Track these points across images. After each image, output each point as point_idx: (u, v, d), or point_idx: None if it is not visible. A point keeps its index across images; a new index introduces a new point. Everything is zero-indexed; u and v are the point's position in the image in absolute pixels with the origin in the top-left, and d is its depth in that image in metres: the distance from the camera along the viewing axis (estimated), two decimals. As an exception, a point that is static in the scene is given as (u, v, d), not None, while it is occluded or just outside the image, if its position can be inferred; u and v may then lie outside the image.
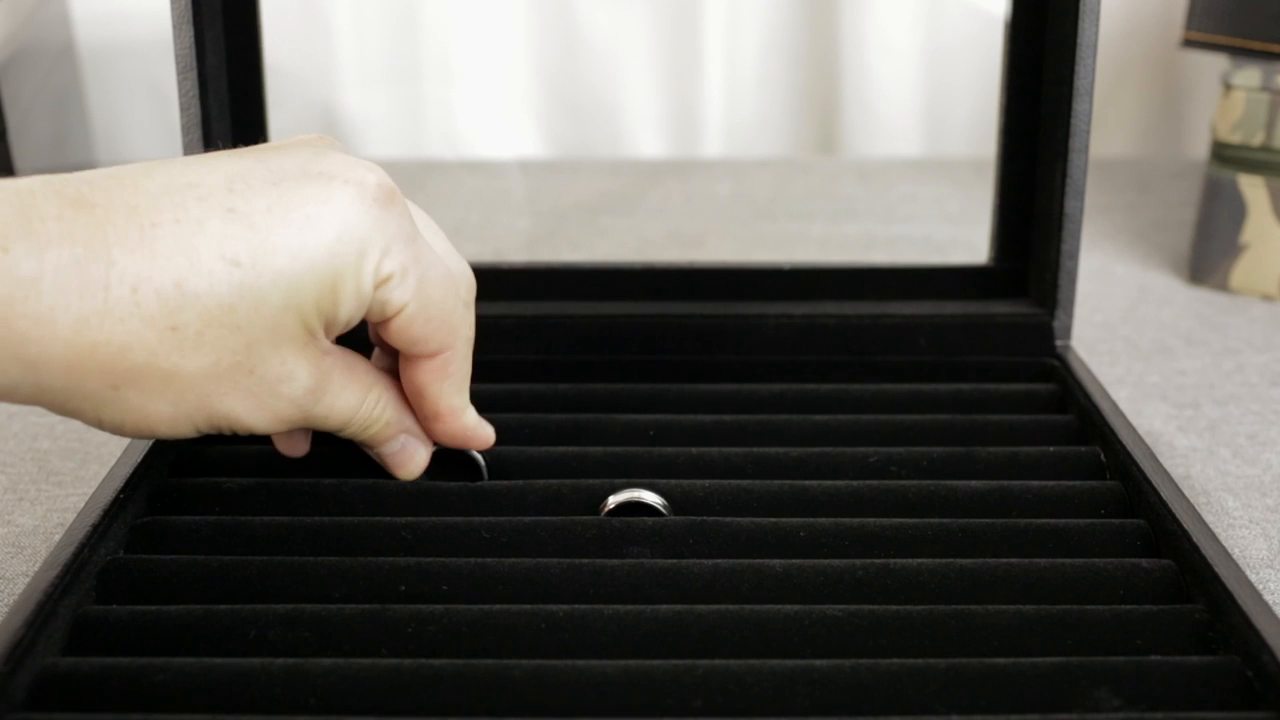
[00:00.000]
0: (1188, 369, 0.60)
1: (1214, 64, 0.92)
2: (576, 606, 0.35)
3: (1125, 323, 0.65)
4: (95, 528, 0.37)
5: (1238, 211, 0.67)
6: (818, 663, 0.33)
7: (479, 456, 0.42)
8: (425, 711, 0.32)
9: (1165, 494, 0.39)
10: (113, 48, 0.93)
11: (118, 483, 0.40)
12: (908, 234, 0.78)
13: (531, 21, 0.95)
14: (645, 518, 0.39)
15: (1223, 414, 0.55)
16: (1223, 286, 0.68)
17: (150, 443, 0.42)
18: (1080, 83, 0.48)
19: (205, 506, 0.40)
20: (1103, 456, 0.44)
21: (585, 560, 0.37)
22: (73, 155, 0.85)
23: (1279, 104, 0.64)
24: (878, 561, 0.37)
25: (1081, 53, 0.47)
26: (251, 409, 0.35)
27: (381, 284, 0.35)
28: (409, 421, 0.40)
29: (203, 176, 0.34)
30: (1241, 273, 0.67)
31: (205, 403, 0.34)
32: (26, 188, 0.31)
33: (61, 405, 0.33)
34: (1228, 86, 0.66)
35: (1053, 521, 0.39)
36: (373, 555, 0.38)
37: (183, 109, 0.47)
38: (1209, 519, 0.47)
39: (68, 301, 0.31)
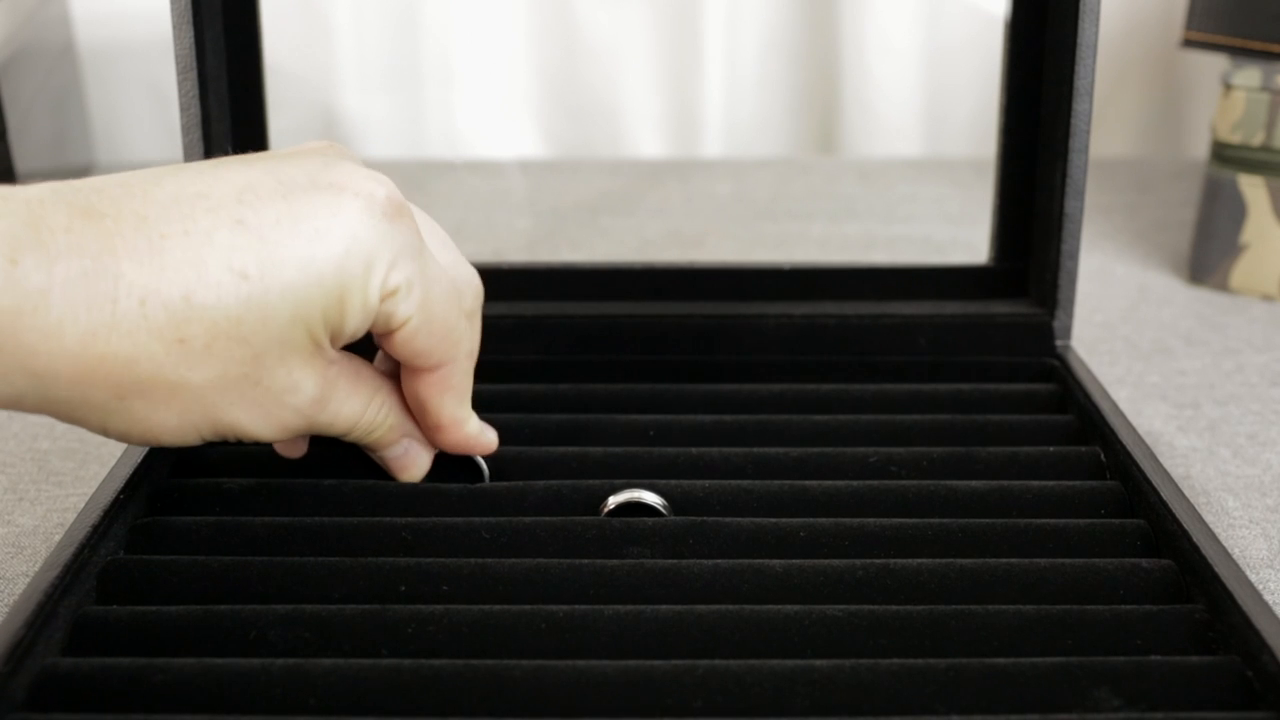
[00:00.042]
0: (1188, 369, 0.60)
1: (1214, 64, 0.92)
2: (577, 607, 0.35)
3: (1125, 323, 0.65)
4: (95, 528, 0.37)
5: (1238, 211, 0.67)
6: (818, 663, 0.33)
7: (481, 460, 0.42)
8: (425, 711, 0.32)
9: (1165, 494, 0.39)
10: (113, 48, 0.93)
11: (118, 483, 0.40)
12: (908, 234, 0.78)
13: (531, 22, 0.95)
14: (645, 518, 0.39)
15: (1223, 414, 0.55)
16: (1223, 286, 0.68)
17: (150, 443, 0.42)
18: (1080, 83, 0.48)
19: (205, 507, 0.40)
20: (1103, 456, 0.44)
21: (585, 560, 0.37)
22: (73, 155, 0.85)
23: (1279, 104, 0.64)
24: (878, 561, 0.37)
25: (1081, 53, 0.47)
26: (257, 419, 0.35)
27: (387, 297, 0.35)
28: (412, 426, 0.40)
29: (212, 187, 0.33)
30: (1241, 273, 0.67)
31: (211, 413, 0.34)
32: (36, 197, 0.31)
33: (68, 415, 0.33)
34: (1228, 86, 0.66)
35: (1053, 521, 0.39)
36: (373, 555, 0.38)
37: (183, 109, 0.47)
38: (1209, 519, 0.47)
39: (75, 314, 0.31)
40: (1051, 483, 0.42)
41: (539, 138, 0.98)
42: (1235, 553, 0.45)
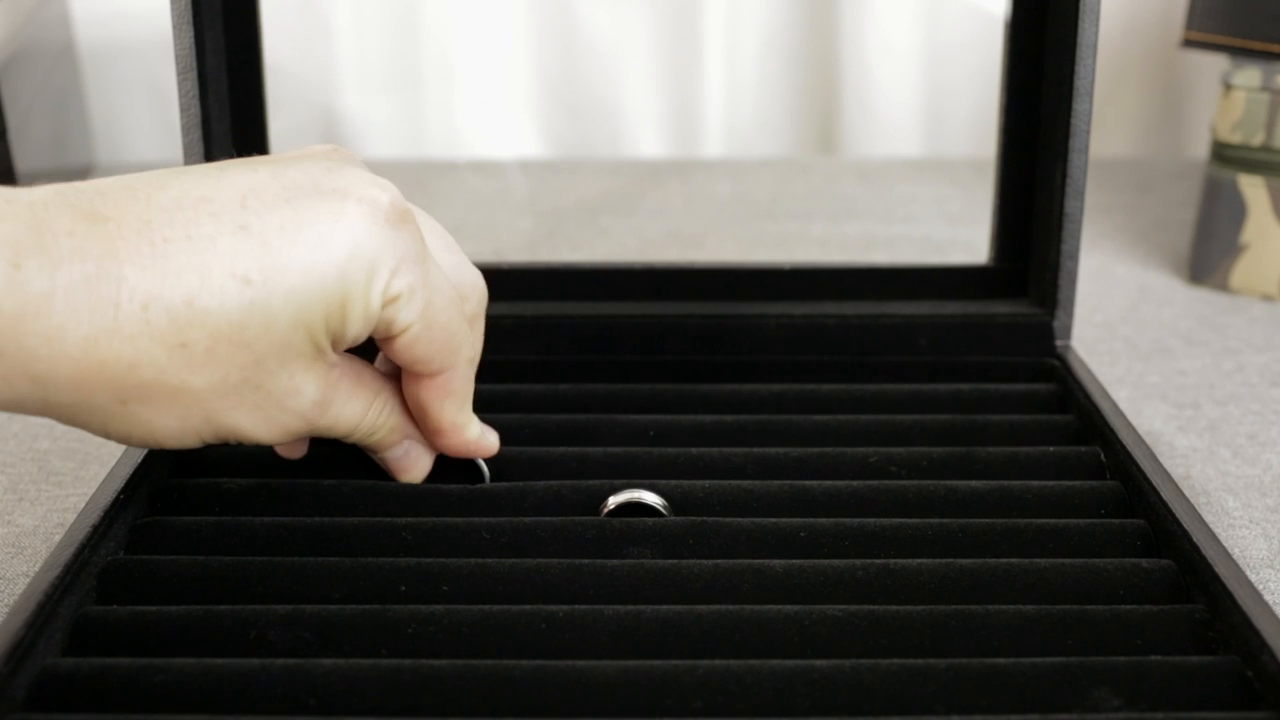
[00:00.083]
0: (1188, 369, 0.60)
1: (1214, 64, 0.92)
2: (576, 607, 0.35)
3: (1125, 323, 0.65)
4: (95, 528, 0.37)
5: (1238, 211, 0.67)
6: (818, 663, 0.33)
7: (481, 461, 0.42)
8: (425, 711, 0.32)
9: (1165, 494, 0.39)
10: (113, 48, 0.93)
11: (118, 483, 0.40)
12: (908, 234, 0.78)
13: (531, 21, 0.95)
14: (645, 518, 0.39)
15: (1223, 414, 0.55)
16: (1223, 286, 0.68)
17: (150, 443, 0.42)
18: (1080, 83, 0.48)
19: (205, 507, 0.40)
20: (1103, 456, 0.44)
21: (585, 560, 0.37)
22: (73, 155, 0.85)
23: (1279, 104, 0.64)
24: (878, 561, 0.37)
25: (1081, 53, 0.47)
26: (258, 422, 0.35)
27: (389, 303, 0.35)
28: (413, 427, 0.40)
29: (216, 191, 0.33)
30: (1241, 273, 0.67)
31: (212, 417, 0.34)
32: (40, 200, 0.31)
33: (69, 418, 0.33)
34: (1228, 86, 0.66)
35: (1053, 521, 0.39)
36: (373, 556, 0.38)
37: (183, 109, 0.47)
38: (1209, 519, 0.47)
39: (78, 319, 0.31)
40: (1051, 483, 0.42)
41: (539, 138, 0.98)
42: (1235, 553, 0.45)
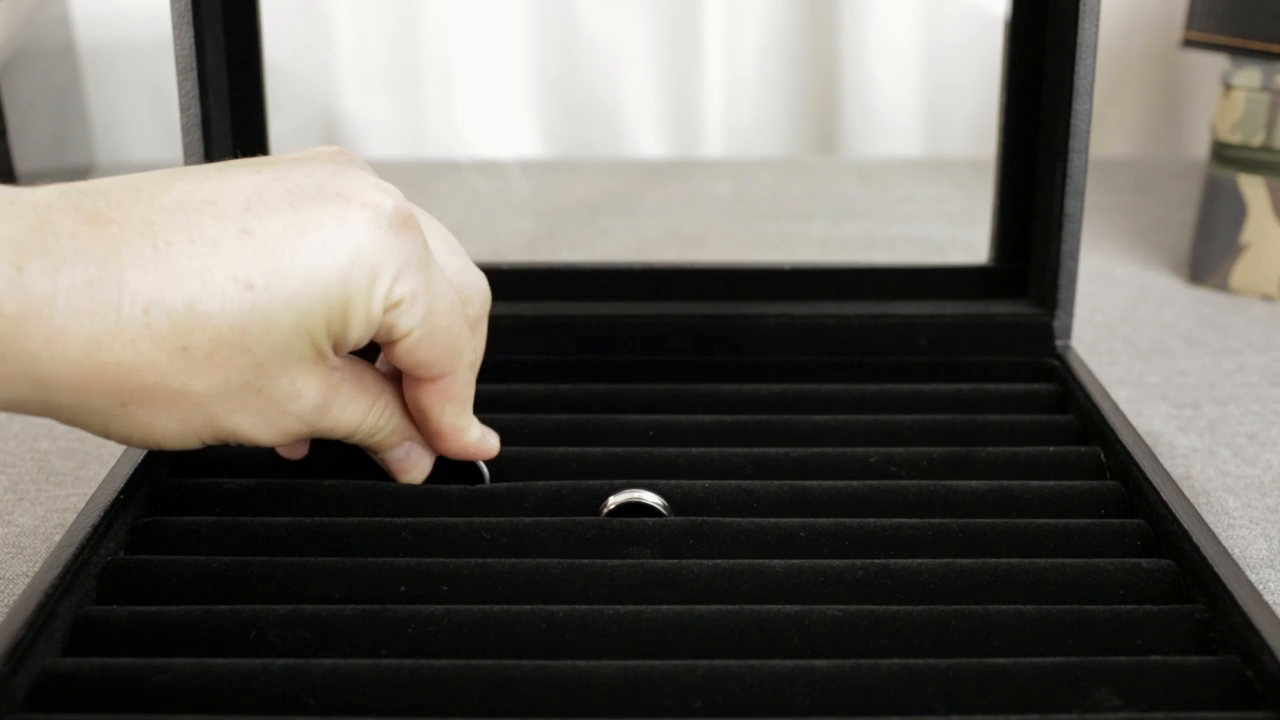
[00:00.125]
0: (1188, 369, 0.60)
1: (1214, 64, 0.92)
2: (576, 607, 0.35)
3: (1125, 323, 0.65)
4: (95, 528, 0.37)
5: (1238, 211, 0.67)
6: (818, 663, 0.33)
7: (482, 463, 0.42)
8: (425, 711, 0.32)
9: (1165, 494, 0.39)
10: (113, 48, 0.93)
11: (118, 483, 0.40)
12: (908, 234, 0.78)
13: (531, 22, 0.95)
14: (645, 518, 0.39)
15: (1223, 414, 0.55)
16: (1223, 286, 0.68)
17: (150, 443, 0.42)
18: (1080, 83, 0.48)
19: (205, 507, 0.40)
20: (1103, 456, 0.44)
21: (585, 561, 0.37)
22: (73, 155, 0.85)
23: (1279, 104, 0.64)
24: (878, 561, 0.37)
25: (1081, 53, 0.47)
26: (258, 425, 0.35)
27: (391, 308, 0.35)
28: (414, 429, 0.40)
29: (220, 193, 0.33)
30: (1241, 273, 0.67)
31: (212, 419, 0.34)
32: (44, 201, 0.31)
33: (70, 419, 0.33)
34: (1228, 86, 0.66)
35: (1053, 521, 0.39)
36: (373, 556, 0.38)
37: (183, 109, 0.47)
38: (1209, 519, 0.47)
39: (79, 323, 0.31)
40: (1051, 483, 0.42)
41: (539, 138, 0.98)
42: (1235, 553, 0.45)
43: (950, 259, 0.67)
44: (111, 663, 0.33)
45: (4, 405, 0.32)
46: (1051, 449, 0.44)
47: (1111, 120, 0.98)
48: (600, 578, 0.37)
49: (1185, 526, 0.37)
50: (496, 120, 0.97)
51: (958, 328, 0.52)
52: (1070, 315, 0.51)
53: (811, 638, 0.34)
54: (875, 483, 0.42)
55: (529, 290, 0.53)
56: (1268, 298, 0.67)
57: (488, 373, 0.43)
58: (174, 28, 0.46)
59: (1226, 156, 0.66)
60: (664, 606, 0.35)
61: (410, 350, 0.37)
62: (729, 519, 0.39)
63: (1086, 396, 0.46)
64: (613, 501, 0.40)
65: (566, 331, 0.51)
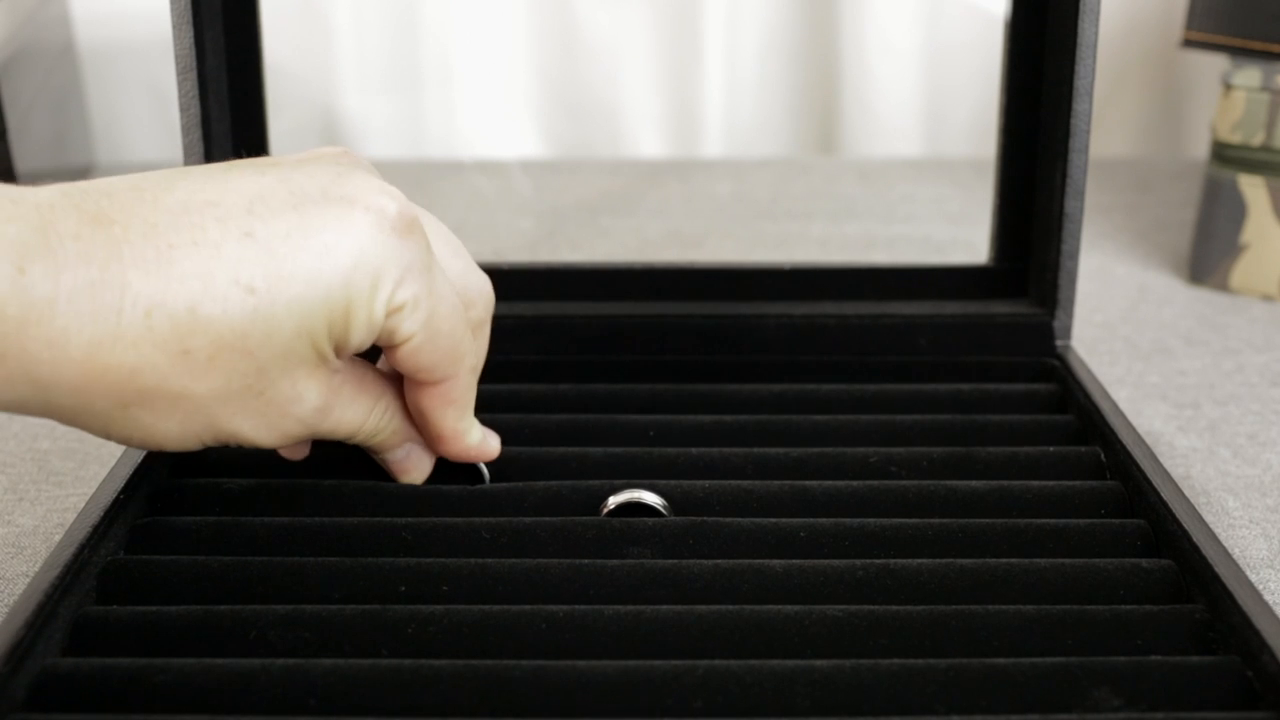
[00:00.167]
0: (1188, 369, 0.60)
1: (1214, 64, 0.92)
2: (576, 607, 0.35)
3: (1125, 323, 0.65)
4: (95, 528, 0.37)
5: (1238, 211, 0.67)
6: (818, 663, 0.33)
7: (482, 464, 0.42)
8: (425, 711, 0.32)
9: (1165, 494, 0.39)
10: (113, 48, 0.93)
11: (118, 483, 0.40)
12: (908, 234, 0.78)
13: (531, 21, 0.95)
14: (645, 518, 0.39)
15: (1223, 414, 0.55)
16: (1223, 286, 0.68)
17: (150, 443, 0.42)
18: (1080, 83, 0.48)
19: (205, 507, 0.40)
20: (1103, 456, 0.44)
21: (585, 561, 0.37)
22: (73, 155, 0.85)
23: (1279, 104, 0.64)
24: (878, 561, 0.37)
25: (1081, 53, 0.47)
26: (259, 428, 0.35)
27: (393, 313, 0.35)
28: (414, 430, 0.40)
29: (223, 195, 0.33)
30: (1241, 273, 0.67)
31: (213, 422, 0.34)
32: (47, 202, 0.31)
33: (71, 420, 0.33)
34: (1228, 86, 0.66)
35: (1053, 521, 0.39)
36: (373, 556, 0.38)
37: (183, 109, 0.47)
38: (1209, 519, 0.47)
39: (80, 325, 0.31)
40: (1051, 483, 0.42)
41: (539, 138, 0.98)
42: (1235, 553, 0.45)
43: (950, 259, 0.67)
44: (112, 663, 0.33)
45: (5, 406, 0.32)
46: (1051, 449, 0.44)
47: (1111, 120, 0.98)
48: (600, 578, 0.37)
49: (1185, 526, 0.37)
50: (497, 120, 0.97)
51: (958, 328, 0.52)
52: (1070, 315, 0.51)
53: (811, 638, 0.34)
54: (875, 483, 0.42)
55: (529, 290, 0.53)
56: (1268, 298, 0.67)
57: (489, 373, 0.43)
58: (174, 28, 0.46)
59: (1226, 156, 0.66)
60: (664, 606, 0.35)
61: (411, 355, 0.37)
62: (729, 519, 0.39)
63: (1086, 396, 0.46)
64: (613, 501, 0.40)
65: (566, 331, 0.51)
